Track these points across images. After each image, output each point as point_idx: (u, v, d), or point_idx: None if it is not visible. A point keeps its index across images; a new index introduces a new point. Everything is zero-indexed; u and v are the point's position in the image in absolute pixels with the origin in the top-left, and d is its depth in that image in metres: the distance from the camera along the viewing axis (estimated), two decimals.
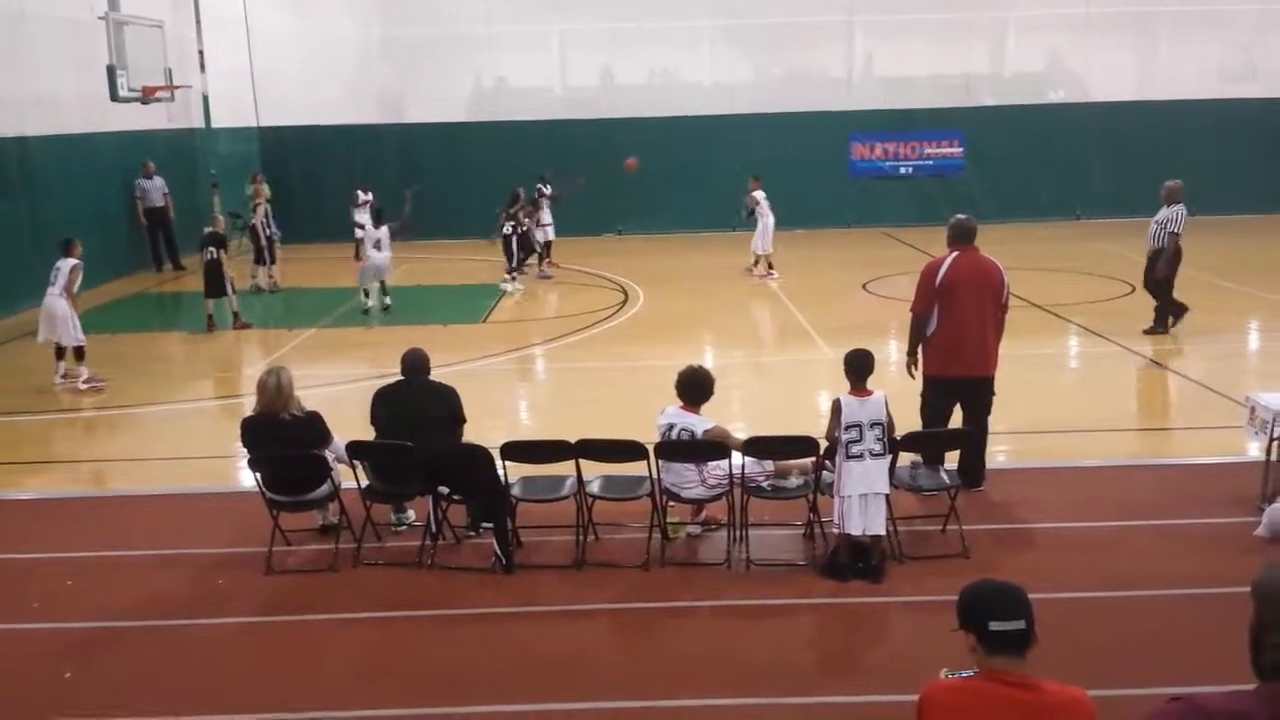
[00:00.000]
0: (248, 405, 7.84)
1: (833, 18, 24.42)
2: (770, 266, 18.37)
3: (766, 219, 18.14)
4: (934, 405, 7.96)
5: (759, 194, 18.19)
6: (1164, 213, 12.86)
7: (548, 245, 19.27)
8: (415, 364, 7.38)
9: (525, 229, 17.55)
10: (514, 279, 17.49)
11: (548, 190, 19.94)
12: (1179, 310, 13.02)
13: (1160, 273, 12.83)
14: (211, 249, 14.87)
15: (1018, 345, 8.90)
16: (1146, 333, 12.91)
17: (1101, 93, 24.28)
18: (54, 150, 17.39)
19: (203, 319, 14.89)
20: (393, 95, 24.91)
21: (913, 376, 8.09)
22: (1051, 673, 3.23)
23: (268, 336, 15.12)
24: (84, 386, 11.86)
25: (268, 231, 18.25)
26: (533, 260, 18.77)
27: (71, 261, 12.00)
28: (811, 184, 23.65)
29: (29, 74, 16.77)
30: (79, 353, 12.01)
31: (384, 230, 15.75)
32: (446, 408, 7.27)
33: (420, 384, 7.38)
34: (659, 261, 20.60)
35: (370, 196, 19.99)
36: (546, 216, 19.40)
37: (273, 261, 18.44)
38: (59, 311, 11.77)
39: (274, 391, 7.03)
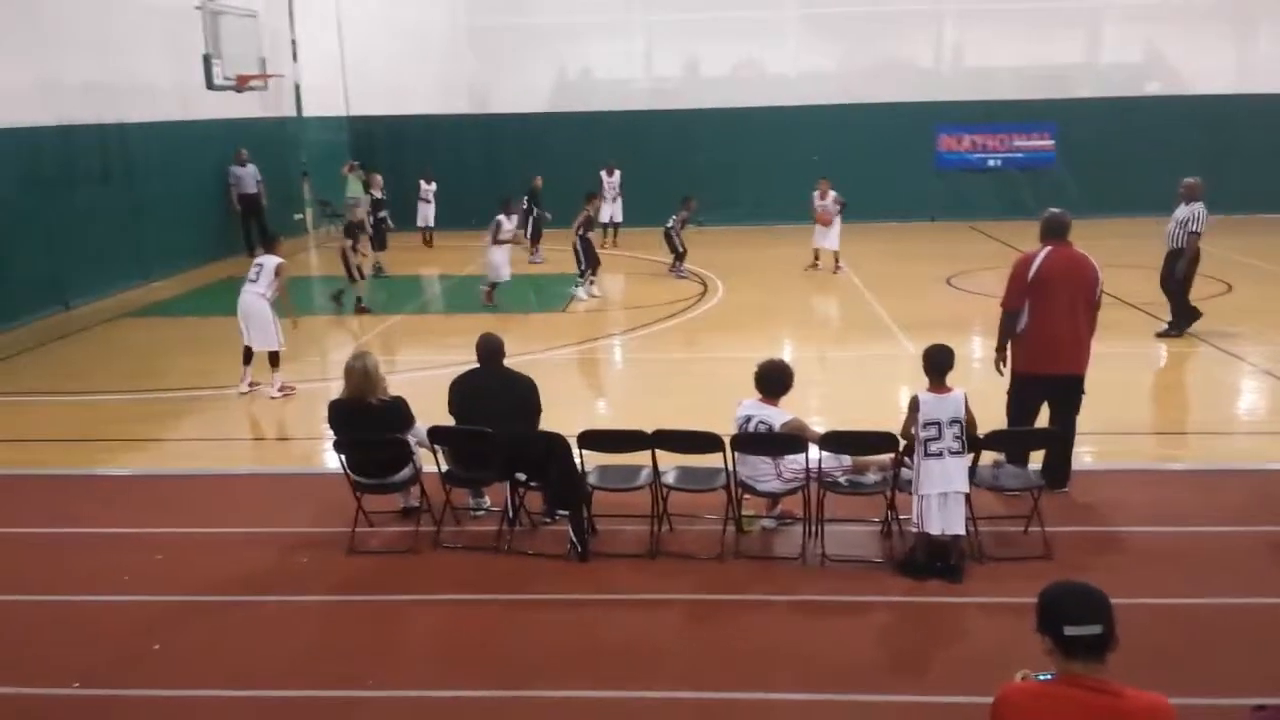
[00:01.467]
0: (335, 389, 7.98)
1: (920, 7, 24.06)
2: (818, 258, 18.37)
3: (837, 216, 17.98)
4: (1021, 403, 7.80)
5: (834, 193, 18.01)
6: (1182, 211, 12.49)
7: (615, 229, 20.91)
8: (490, 350, 7.42)
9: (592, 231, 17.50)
10: (591, 282, 16.77)
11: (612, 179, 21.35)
12: (1191, 315, 12.75)
13: (1180, 273, 12.54)
14: (344, 237, 15.56)
15: (1108, 344, 8.68)
16: (1160, 336, 12.79)
17: (1200, 84, 23.50)
18: (151, 136, 17.93)
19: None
20: (478, 85, 25.16)
21: (1001, 373, 7.94)
22: (1133, 678, 3.16)
23: (354, 322, 15.39)
24: (277, 395, 11.10)
25: (386, 221, 18.93)
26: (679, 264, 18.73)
27: (277, 260, 11.15)
28: (896, 176, 23.38)
29: (129, 62, 17.30)
30: (274, 359, 11.14)
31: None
32: (521, 396, 7.31)
33: (495, 370, 7.42)
34: (740, 253, 20.52)
35: (434, 186, 20.50)
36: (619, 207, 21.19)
37: (384, 247, 19.00)
38: (254, 310, 11.01)
39: (361, 376, 7.16)
